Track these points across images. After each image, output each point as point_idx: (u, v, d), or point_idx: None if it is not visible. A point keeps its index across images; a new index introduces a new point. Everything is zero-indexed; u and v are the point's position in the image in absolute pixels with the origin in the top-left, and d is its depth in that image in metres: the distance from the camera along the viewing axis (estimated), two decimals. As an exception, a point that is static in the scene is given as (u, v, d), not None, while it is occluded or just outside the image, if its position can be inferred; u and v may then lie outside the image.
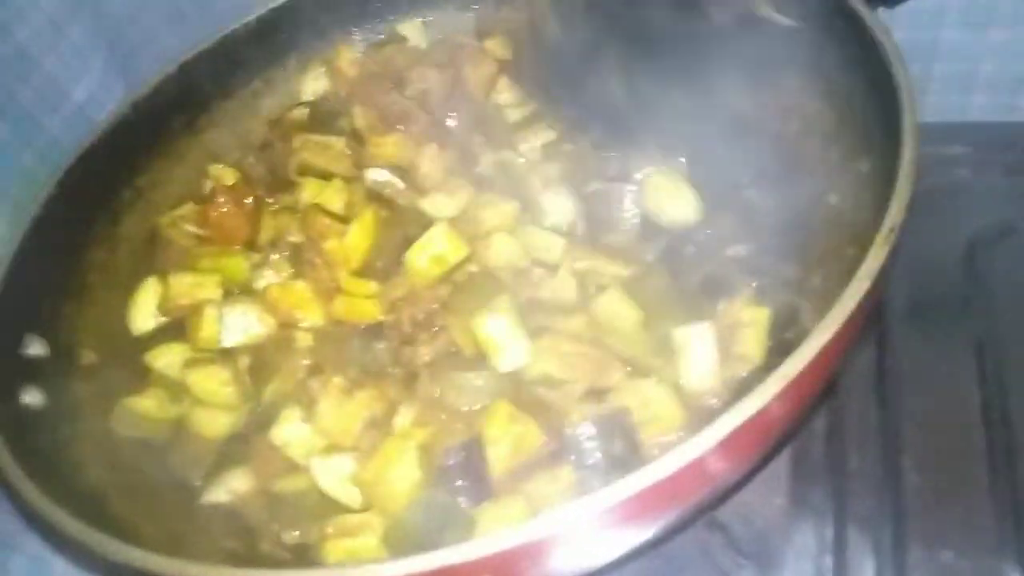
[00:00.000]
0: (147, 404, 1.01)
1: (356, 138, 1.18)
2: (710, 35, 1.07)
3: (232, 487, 0.94)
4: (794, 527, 0.95)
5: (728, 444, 0.65)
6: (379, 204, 1.06)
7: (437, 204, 1.07)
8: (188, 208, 1.18)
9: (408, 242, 1.00)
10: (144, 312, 1.09)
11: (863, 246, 0.87)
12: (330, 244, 0.98)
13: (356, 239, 1.00)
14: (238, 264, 1.07)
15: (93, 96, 1.37)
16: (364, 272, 1.01)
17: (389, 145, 1.14)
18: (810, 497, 0.97)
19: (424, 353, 0.93)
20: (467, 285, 0.97)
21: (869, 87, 0.93)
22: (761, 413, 0.65)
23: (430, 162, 1.09)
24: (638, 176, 1.07)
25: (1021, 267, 1.13)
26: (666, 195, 1.05)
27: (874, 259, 0.71)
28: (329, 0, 1.31)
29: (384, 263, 1.01)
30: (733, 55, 1.02)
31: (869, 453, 1.00)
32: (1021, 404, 1.00)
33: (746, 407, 0.65)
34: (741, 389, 0.91)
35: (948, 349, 1.07)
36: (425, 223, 1.02)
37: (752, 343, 0.92)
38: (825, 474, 0.99)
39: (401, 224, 1.04)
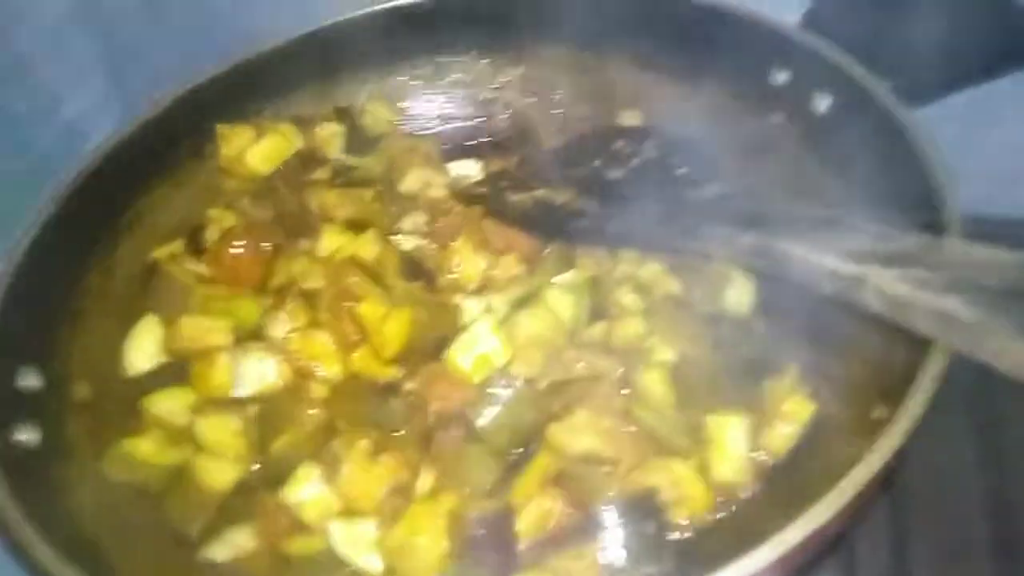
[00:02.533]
0: (145, 447, 0.96)
1: (389, 195, 1.13)
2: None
3: (236, 543, 0.90)
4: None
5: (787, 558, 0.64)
6: (413, 279, 1.01)
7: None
8: (183, 243, 1.13)
9: (443, 341, 0.94)
10: (141, 353, 1.03)
11: (891, 336, 0.89)
12: (365, 309, 0.93)
13: (390, 335, 0.93)
14: (250, 309, 1.02)
15: (89, 111, 1.32)
16: (392, 362, 0.96)
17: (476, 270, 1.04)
18: (819, 592, 0.97)
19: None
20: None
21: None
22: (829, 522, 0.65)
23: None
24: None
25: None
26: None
27: (935, 364, 0.72)
28: (353, 39, 1.26)
29: (416, 359, 0.96)
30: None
31: (876, 545, 1.00)
32: (1021, 493, 1.02)
33: (816, 514, 0.64)
34: (770, 478, 0.91)
35: (952, 434, 1.08)
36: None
37: (781, 439, 0.90)
38: (833, 568, 0.99)
39: (438, 323, 0.97)
